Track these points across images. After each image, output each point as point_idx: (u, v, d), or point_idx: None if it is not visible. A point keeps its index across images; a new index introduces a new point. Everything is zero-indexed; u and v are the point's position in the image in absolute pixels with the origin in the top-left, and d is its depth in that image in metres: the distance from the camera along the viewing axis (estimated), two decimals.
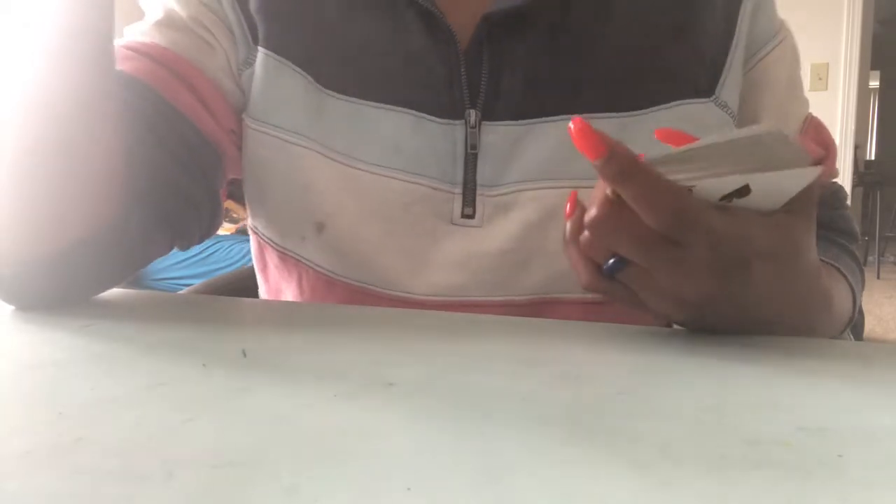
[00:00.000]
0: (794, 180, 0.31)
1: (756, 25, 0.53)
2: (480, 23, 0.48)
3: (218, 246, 2.35)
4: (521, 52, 0.49)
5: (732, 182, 0.30)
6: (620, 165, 0.29)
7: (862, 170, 5.09)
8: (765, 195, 0.31)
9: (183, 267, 2.31)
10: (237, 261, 2.32)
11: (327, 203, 0.51)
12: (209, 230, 0.53)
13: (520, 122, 0.49)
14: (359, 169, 0.50)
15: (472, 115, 0.49)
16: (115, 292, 0.48)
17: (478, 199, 0.50)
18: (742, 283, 0.32)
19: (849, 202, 0.60)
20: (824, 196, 0.58)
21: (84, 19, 0.41)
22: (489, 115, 0.49)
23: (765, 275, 0.32)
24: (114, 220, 0.43)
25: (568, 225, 0.35)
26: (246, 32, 0.51)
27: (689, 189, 0.30)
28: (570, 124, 0.30)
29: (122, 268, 0.46)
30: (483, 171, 0.49)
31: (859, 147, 4.32)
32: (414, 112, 0.49)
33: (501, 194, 0.49)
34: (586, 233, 0.33)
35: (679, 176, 0.30)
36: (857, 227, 0.59)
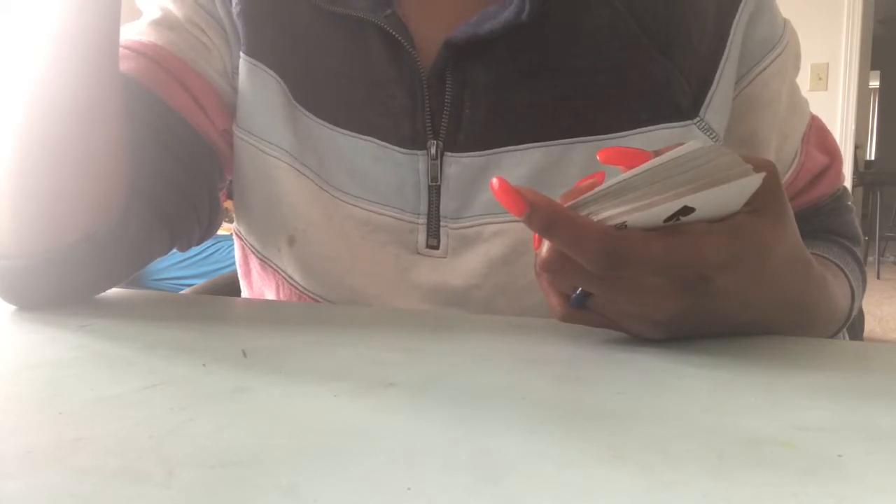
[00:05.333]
0: (737, 190, 0.30)
1: (753, 35, 0.50)
2: (442, 49, 0.47)
3: (218, 246, 2.35)
4: (485, 79, 0.47)
5: (667, 208, 0.29)
6: (543, 219, 0.29)
7: (862, 170, 5.09)
8: (711, 209, 0.30)
9: (183, 267, 2.31)
10: None
11: (297, 217, 0.51)
12: (208, 230, 0.53)
13: (483, 152, 0.48)
14: (325, 190, 0.50)
15: (434, 146, 0.48)
16: (115, 292, 0.48)
17: (441, 230, 0.49)
18: (708, 296, 0.31)
19: (851, 203, 0.59)
20: (829, 202, 0.56)
21: (89, 18, 0.41)
22: (451, 146, 0.48)
23: (732, 283, 0.31)
24: (115, 217, 0.43)
25: (537, 256, 0.35)
26: (236, 35, 0.52)
27: (623, 224, 0.29)
28: (494, 181, 0.29)
29: (123, 266, 0.46)
30: (446, 203, 0.48)
31: (859, 147, 4.32)
32: (378, 141, 0.49)
33: (465, 227, 0.48)
34: (541, 272, 0.33)
35: (613, 211, 0.29)
36: (861, 231, 0.58)
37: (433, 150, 0.48)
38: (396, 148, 0.49)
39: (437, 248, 0.49)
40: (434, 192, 0.49)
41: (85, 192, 0.42)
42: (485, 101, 0.48)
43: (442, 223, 0.49)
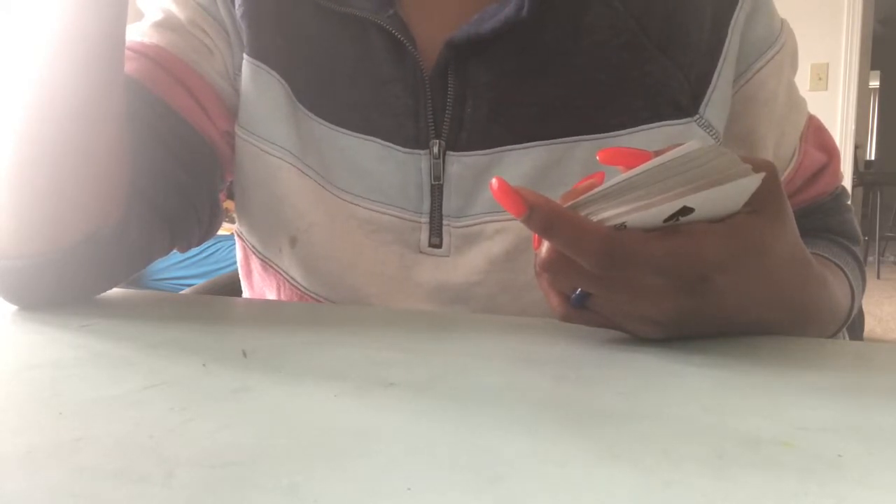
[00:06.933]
0: (737, 190, 0.30)
1: (750, 34, 0.50)
2: (444, 49, 0.47)
3: (218, 246, 2.34)
4: (486, 78, 0.47)
5: (667, 208, 0.29)
6: (543, 220, 0.29)
7: (862, 170, 5.09)
8: (710, 209, 0.30)
9: (183, 267, 2.31)
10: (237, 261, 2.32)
11: (300, 218, 0.51)
12: (208, 231, 0.53)
13: (485, 151, 0.48)
14: (328, 190, 0.50)
15: (437, 145, 0.48)
16: (115, 292, 0.48)
17: (444, 229, 0.49)
18: (708, 296, 0.31)
19: (849, 202, 0.60)
20: (827, 201, 0.56)
21: (91, 19, 0.41)
22: (453, 145, 0.48)
23: (732, 283, 0.31)
24: (116, 218, 0.43)
25: (536, 256, 0.34)
26: (239, 37, 0.52)
27: (623, 224, 0.29)
28: (493, 181, 0.29)
29: (124, 267, 0.46)
30: (449, 202, 0.49)
31: (859, 147, 4.32)
32: (380, 141, 0.49)
33: (467, 225, 0.49)
34: (541, 272, 0.33)
35: (613, 211, 0.29)
36: (860, 230, 0.58)
37: (435, 150, 0.48)
38: (399, 147, 0.49)
39: (439, 246, 0.49)
40: (437, 191, 0.49)
41: (86, 193, 0.42)
42: (486, 100, 0.48)
43: (444, 222, 0.49)
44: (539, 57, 0.48)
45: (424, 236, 0.49)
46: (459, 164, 0.48)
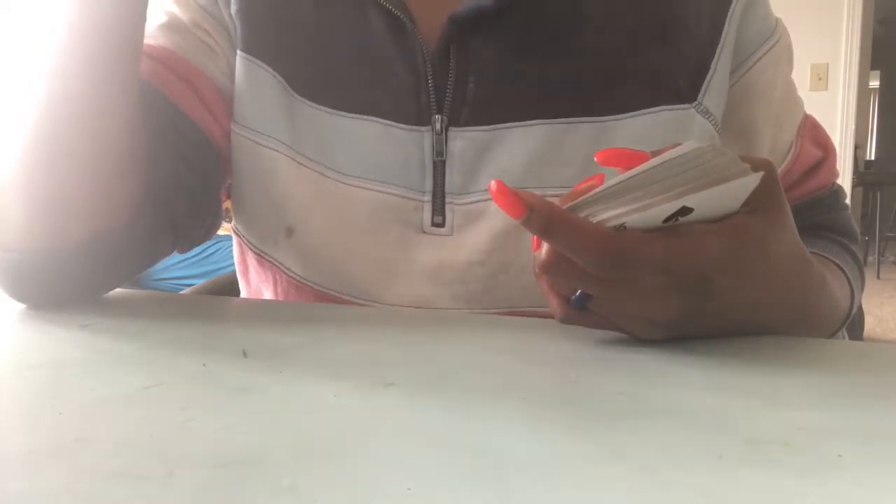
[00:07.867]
0: (736, 190, 0.30)
1: (747, 28, 0.51)
2: (447, 24, 0.47)
3: (218, 246, 2.34)
4: (488, 54, 0.48)
5: (666, 209, 0.29)
6: (542, 221, 0.29)
7: (862, 170, 5.09)
8: (710, 209, 0.30)
9: (183, 267, 2.31)
10: None
11: (297, 208, 0.50)
12: (209, 231, 0.53)
13: (488, 127, 0.48)
14: (327, 177, 0.50)
15: (439, 121, 0.48)
16: (116, 292, 0.48)
17: (447, 207, 0.49)
18: (708, 295, 0.31)
19: (848, 202, 0.60)
20: (824, 198, 0.57)
21: (113, 18, 0.41)
22: (455, 120, 0.48)
23: (732, 283, 0.31)
24: (125, 218, 0.43)
25: (535, 258, 0.34)
26: (236, 34, 0.52)
27: (622, 225, 0.30)
28: (492, 183, 0.30)
29: (129, 267, 0.46)
30: (452, 179, 0.48)
31: (859, 147, 4.32)
32: (381, 120, 0.49)
33: (471, 203, 0.48)
34: (541, 273, 0.33)
35: (612, 212, 0.29)
36: (857, 228, 0.59)
37: (438, 126, 0.48)
38: (400, 125, 0.49)
39: (442, 225, 0.49)
40: (439, 168, 0.49)
41: (98, 192, 0.42)
42: (489, 75, 0.48)
43: (447, 199, 0.49)
44: (540, 37, 0.48)
45: (427, 215, 0.49)
46: (462, 140, 0.48)
